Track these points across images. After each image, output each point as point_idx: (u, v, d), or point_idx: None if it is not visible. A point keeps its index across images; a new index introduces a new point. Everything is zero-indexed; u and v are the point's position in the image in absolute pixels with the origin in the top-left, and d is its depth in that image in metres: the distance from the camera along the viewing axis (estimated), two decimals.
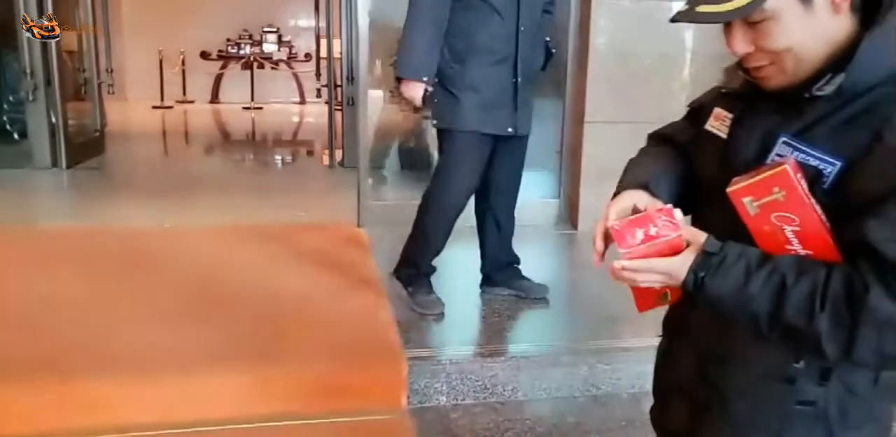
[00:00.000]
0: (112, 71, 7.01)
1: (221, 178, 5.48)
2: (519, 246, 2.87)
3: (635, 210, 1.03)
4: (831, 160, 0.90)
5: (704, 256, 0.93)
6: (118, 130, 7.20)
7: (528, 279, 2.82)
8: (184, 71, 9.84)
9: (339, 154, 5.60)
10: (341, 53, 5.33)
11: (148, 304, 2.66)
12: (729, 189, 0.93)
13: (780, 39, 0.90)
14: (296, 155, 7.24)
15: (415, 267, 2.71)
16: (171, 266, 3.05)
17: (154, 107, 9.41)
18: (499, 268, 2.82)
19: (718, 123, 1.07)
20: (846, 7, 0.89)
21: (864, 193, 0.88)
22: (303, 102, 10.13)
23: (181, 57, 9.71)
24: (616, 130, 3.54)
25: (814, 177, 0.90)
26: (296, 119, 9.42)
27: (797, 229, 0.91)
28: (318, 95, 9.60)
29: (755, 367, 1.03)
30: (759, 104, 1.00)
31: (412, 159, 5.12)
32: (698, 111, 1.17)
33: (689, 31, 3.63)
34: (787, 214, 0.90)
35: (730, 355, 1.05)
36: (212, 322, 2.48)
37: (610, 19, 3.57)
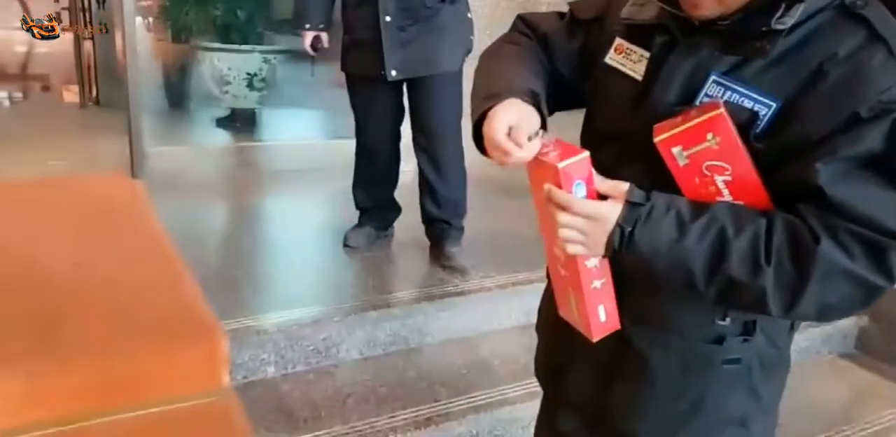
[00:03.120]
0: None
1: None
2: (309, 187, 2.81)
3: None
4: (768, 101, 0.82)
5: (630, 207, 0.81)
6: None
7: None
8: None
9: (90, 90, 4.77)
10: None
11: None
12: (656, 139, 0.83)
13: None
14: (27, 92, 6.07)
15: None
16: None
17: None
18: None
19: (622, 57, 0.94)
20: None
21: (804, 135, 0.80)
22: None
23: None
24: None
25: (748, 120, 0.82)
26: (22, 49, 7.89)
27: (729, 178, 0.83)
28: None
29: (681, 328, 0.95)
30: (685, 38, 0.88)
31: (181, 97, 4.52)
32: (586, 24, 1.02)
33: None
34: (720, 163, 0.82)
35: (653, 316, 0.96)
36: None
37: None
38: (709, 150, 0.81)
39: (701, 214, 0.81)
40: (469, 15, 2.45)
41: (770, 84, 0.82)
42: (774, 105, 0.81)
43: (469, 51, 2.44)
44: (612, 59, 0.96)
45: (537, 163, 0.85)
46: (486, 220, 2.81)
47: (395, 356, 2.14)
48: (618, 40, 0.95)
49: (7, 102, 5.52)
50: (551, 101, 0.99)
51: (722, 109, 0.80)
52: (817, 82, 0.80)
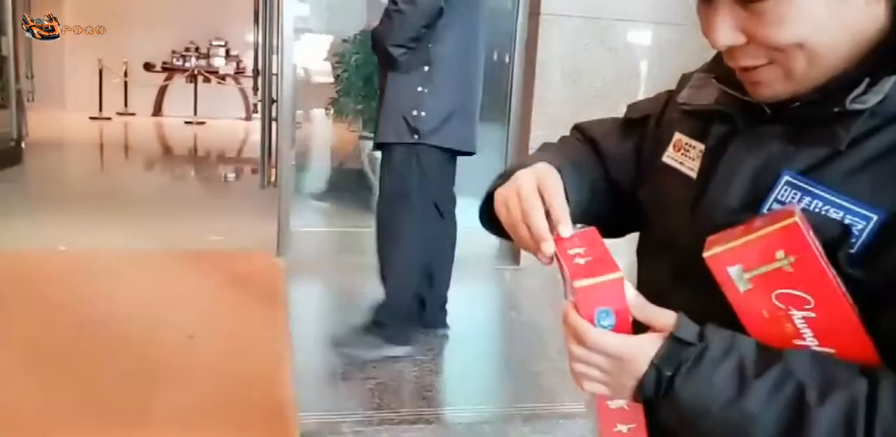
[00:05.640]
0: (32, 77, 6.51)
1: (148, 195, 5.07)
2: (453, 283, 2.54)
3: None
4: (864, 211, 0.60)
5: (674, 344, 0.62)
6: (46, 140, 6.75)
7: None
8: (126, 82, 9.38)
9: (273, 173, 5.24)
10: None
11: (5, 348, 2.26)
12: (706, 254, 0.63)
13: (791, 28, 0.61)
14: (238, 173, 6.86)
15: None
16: (48, 299, 2.64)
17: (92, 118, 8.93)
18: None
19: (681, 153, 0.76)
20: None
21: None
22: (248, 118, 9.75)
23: (124, 67, 9.26)
24: None
25: (838, 236, 0.60)
26: (240, 135, 9.03)
27: (812, 315, 0.61)
28: (255, 111, 9.27)
29: None
30: (747, 127, 0.69)
31: (343, 182, 4.79)
32: (639, 123, 0.87)
33: (643, 51, 3.40)
34: (797, 293, 0.60)
35: None
36: (78, 375, 2.09)
37: (559, 38, 3.31)
38: (780, 273, 0.60)
39: (770, 365, 0.60)
40: (420, 88, 2.28)
41: (868, 189, 0.60)
42: (875, 217, 0.60)
43: (414, 129, 2.27)
44: (669, 157, 0.77)
45: (560, 261, 0.67)
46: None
47: None
48: (677, 135, 0.78)
49: (218, 182, 6.27)
50: (611, 215, 0.85)
51: (797, 218, 0.59)
52: None
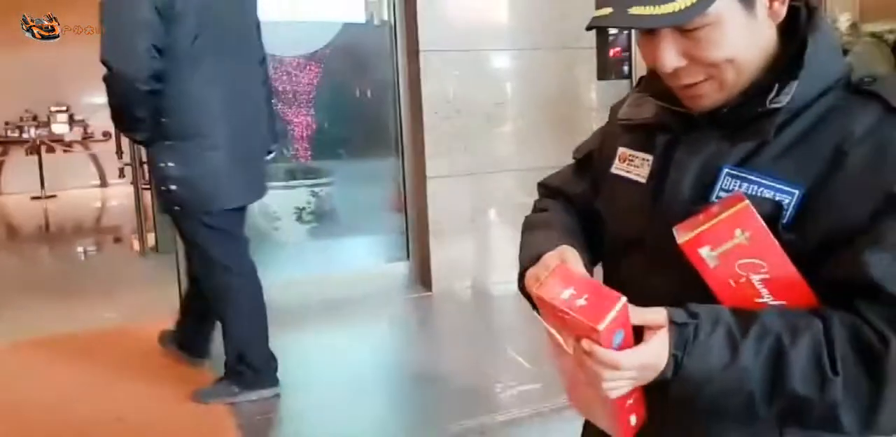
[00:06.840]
0: None
1: (6, 282, 4.56)
2: (370, 315, 2.62)
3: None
4: (789, 188, 0.77)
5: (677, 329, 0.73)
6: None
7: None
8: None
9: (150, 238, 4.94)
10: None
11: None
12: (680, 240, 0.77)
13: (722, 49, 0.76)
14: (101, 244, 6.36)
15: None
16: None
17: None
18: None
19: (626, 164, 0.91)
20: (782, 14, 0.79)
21: (840, 222, 0.74)
22: (104, 184, 9.15)
23: None
24: (460, 183, 3.39)
25: (773, 211, 0.77)
26: (98, 204, 8.44)
27: (766, 276, 0.76)
28: (122, 176, 8.72)
29: None
30: (686, 134, 0.84)
31: None
32: (586, 160, 1.03)
33: (517, 78, 3.59)
34: (754, 260, 0.76)
35: None
36: None
37: (439, 72, 3.46)
38: (739, 247, 0.75)
39: (750, 325, 0.74)
40: (164, 164, 2.21)
41: (788, 171, 0.77)
42: (797, 192, 0.76)
43: (173, 202, 2.26)
44: (617, 168, 0.94)
45: (555, 309, 0.74)
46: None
47: None
48: (620, 149, 0.94)
49: (83, 256, 5.77)
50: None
51: (747, 202, 0.75)
52: (839, 164, 0.75)
